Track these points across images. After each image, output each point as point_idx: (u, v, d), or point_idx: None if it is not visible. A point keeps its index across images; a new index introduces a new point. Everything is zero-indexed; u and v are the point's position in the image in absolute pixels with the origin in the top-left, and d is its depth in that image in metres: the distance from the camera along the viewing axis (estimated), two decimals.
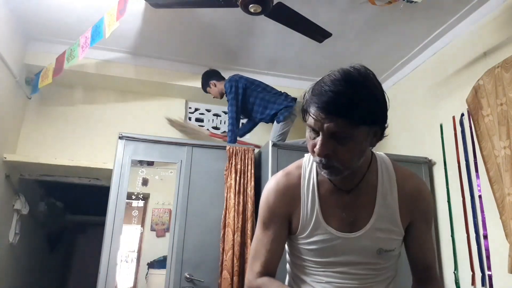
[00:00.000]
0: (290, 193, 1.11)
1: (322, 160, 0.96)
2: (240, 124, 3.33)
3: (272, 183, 1.15)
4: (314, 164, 1.11)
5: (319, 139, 0.94)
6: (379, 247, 1.08)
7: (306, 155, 1.16)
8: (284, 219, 1.12)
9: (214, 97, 3.36)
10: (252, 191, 2.76)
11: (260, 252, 1.11)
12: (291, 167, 1.17)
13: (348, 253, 1.07)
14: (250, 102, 3.15)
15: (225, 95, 3.22)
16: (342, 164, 0.97)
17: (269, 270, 1.10)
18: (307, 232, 1.09)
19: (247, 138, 3.68)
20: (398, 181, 1.11)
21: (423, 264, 1.14)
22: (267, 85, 3.23)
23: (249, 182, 2.78)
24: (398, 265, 1.18)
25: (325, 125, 0.92)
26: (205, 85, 3.32)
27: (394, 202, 1.09)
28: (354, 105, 0.90)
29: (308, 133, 0.99)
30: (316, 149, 0.95)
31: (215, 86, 3.28)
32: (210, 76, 3.31)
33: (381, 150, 3.96)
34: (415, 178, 1.15)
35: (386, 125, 0.98)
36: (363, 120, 0.92)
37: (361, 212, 1.08)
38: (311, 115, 0.94)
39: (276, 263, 1.12)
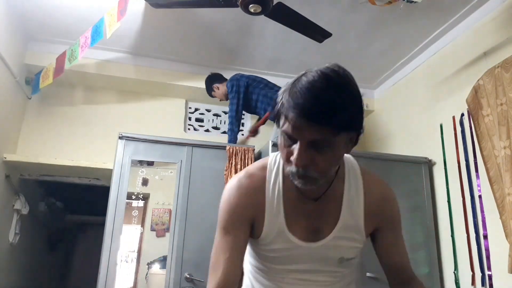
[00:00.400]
0: (253, 197, 1.04)
1: (299, 170, 0.89)
2: (241, 125, 3.33)
3: (234, 184, 1.06)
4: (281, 167, 1.05)
5: (296, 148, 0.87)
6: (340, 256, 1.06)
7: (271, 155, 1.09)
8: (246, 223, 1.04)
9: (220, 100, 3.36)
10: None
11: (219, 261, 1.00)
12: (255, 167, 1.09)
13: (309, 261, 1.06)
14: (253, 99, 3.15)
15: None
16: (320, 173, 0.90)
17: (230, 281, 0.99)
18: (269, 239, 1.04)
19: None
20: (365, 188, 1.07)
21: (398, 267, 1.11)
22: (269, 82, 3.24)
23: None
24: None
25: (305, 134, 0.85)
26: (209, 90, 3.33)
27: (359, 210, 1.05)
28: (337, 112, 0.83)
29: (283, 139, 0.91)
30: (294, 158, 0.88)
31: (219, 89, 3.29)
32: (212, 80, 3.31)
33: (382, 150, 3.96)
34: (381, 184, 1.11)
35: (362, 130, 0.92)
36: (344, 126, 0.86)
37: (325, 221, 1.04)
38: (289, 121, 0.86)
39: (238, 272, 1.03)
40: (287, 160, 0.91)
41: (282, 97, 0.90)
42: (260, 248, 1.08)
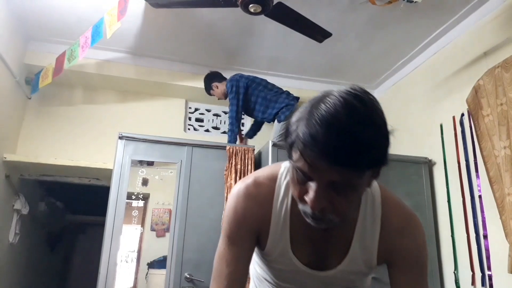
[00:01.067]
0: (259, 209, 0.95)
1: (315, 213, 0.78)
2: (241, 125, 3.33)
3: (241, 191, 0.96)
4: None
5: (312, 188, 0.76)
6: (346, 286, 0.99)
7: (283, 165, 0.98)
8: (251, 235, 0.96)
9: (219, 99, 3.36)
10: None
11: (222, 273, 0.93)
12: (264, 176, 0.98)
13: (314, 285, 0.99)
14: (252, 101, 3.15)
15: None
16: (338, 215, 0.79)
17: None
18: (272, 257, 0.98)
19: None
20: (383, 219, 0.93)
21: None
22: (268, 83, 3.23)
23: None
24: None
25: (325, 175, 0.73)
26: (208, 89, 3.33)
27: (373, 244, 0.93)
28: (364, 151, 0.71)
29: (295, 174, 0.79)
30: (310, 200, 0.76)
31: (218, 88, 3.28)
32: (211, 79, 3.31)
33: None
34: (405, 215, 0.95)
35: (387, 162, 0.79)
36: (370, 166, 0.74)
37: (333, 250, 0.95)
38: (306, 158, 0.73)
39: (242, 285, 0.95)
40: (301, 199, 0.80)
41: (296, 127, 0.75)
42: (265, 259, 1.02)
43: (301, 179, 0.78)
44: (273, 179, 0.97)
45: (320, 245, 0.94)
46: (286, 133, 0.79)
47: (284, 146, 0.81)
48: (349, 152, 0.70)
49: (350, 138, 0.70)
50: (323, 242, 0.94)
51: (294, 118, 0.78)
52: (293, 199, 0.92)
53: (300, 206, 0.82)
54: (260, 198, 0.95)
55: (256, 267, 1.10)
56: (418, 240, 0.94)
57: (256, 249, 1.03)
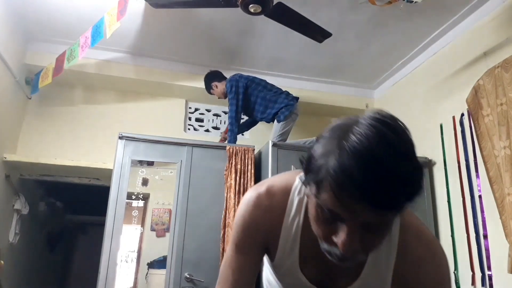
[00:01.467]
0: (269, 220, 0.91)
1: (344, 256, 0.72)
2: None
3: (252, 199, 0.93)
4: (304, 204, 0.89)
5: (344, 230, 0.69)
6: None
7: (297, 178, 0.92)
8: (259, 246, 0.94)
9: (219, 98, 3.37)
10: None
11: (228, 279, 0.93)
12: (278, 187, 0.93)
13: None
14: (251, 102, 3.15)
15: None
16: (366, 253, 0.75)
17: None
18: (280, 272, 0.96)
19: (247, 138, 3.68)
20: (400, 246, 0.87)
21: None
22: (268, 83, 3.23)
23: (249, 182, 2.78)
24: None
25: (359, 216, 0.67)
26: (208, 88, 3.33)
27: (387, 270, 0.88)
28: (404, 189, 0.65)
29: (319, 212, 0.73)
30: (342, 244, 0.69)
31: (217, 87, 3.29)
32: (211, 78, 3.31)
33: None
34: (425, 243, 0.88)
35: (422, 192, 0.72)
36: (409, 201, 0.67)
37: (344, 272, 0.89)
38: (336, 196, 0.66)
39: None
40: (327, 239, 0.74)
41: (325, 162, 0.67)
42: (275, 271, 0.99)
43: (328, 219, 0.71)
44: (286, 192, 0.92)
45: (330, 265, 0.86)
46: (309, 167, 0.71)
47: (306, 180, 0.74)
48: (389, 192, 0.64)
49: (390, 176, 0.63)
50: (334, 263, 0.87)
51: (319, 150, 0.70)
52: (305, 217, 0.88)
53: (325, 247, 0.75)
54: (270, 210, 0.91)
55: (268, 275, 1.07)
56: (439, 272, 0.86)
57: (267, 258, 1.01)
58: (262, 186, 0.94)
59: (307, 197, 0.79)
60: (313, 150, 0.72)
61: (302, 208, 0.90)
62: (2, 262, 1.95)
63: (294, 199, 0.91)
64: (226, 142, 3.16)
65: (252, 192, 0.94)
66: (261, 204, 0.92)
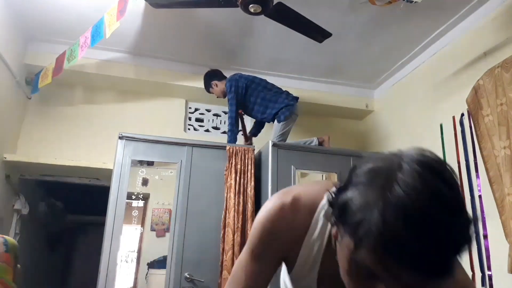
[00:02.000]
0: (289, 235, 0.88)
1: None
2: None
3: (276, 208, 0.88)
4: (328, 227, 0.85)
5: None
6: None
7: (325, 196, 0.84)
8: (275, 257, 0.92)
9: (217, 97, 3.37)
10: (252, 191, 2.76)
11: (240, 282, 0.90)
12: (304, 200, 0.88)
13: None
14: (251, 102, 3.15)
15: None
16: None
17: None
18: (297, 284, 0.95)
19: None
20: None
21: None
22: (268, 83, 3.23)
23: (249, 182, 2.78)
24: None
25: (404, 281, 0.60)
26: (207, 86, 3.33)
27: None
28: (456, 251, 0.60)
29: (354, 267, 0.65)
30: None
31: (217, 86, 3.29)
32: (211, 77, 3.31)
33: (382, 150, 3.97)
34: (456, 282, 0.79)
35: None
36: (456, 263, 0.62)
37: None
38: (381, 261, 0.59)
39: None
40: None
41: (365, 216, 0.59)
42: (291, 282, 0.97)
43: (365, 276, 0.63)
44: (312, 210, 0.87)
45: None
46: (344, 218, 0.63)
47: (338, 228, 0.67)
48: (442, 259, 0.57)
49: (443, 240, 0.57)
50: None
51: (358, 200, 0.61)
52: (328, 242, 0.85)
53: None
54: (293, 225, 0.87)
55: (285, 277, 1.04)
56: None
57: (285, 267, 0.98)
58: (288, 196, 0.89)
59: (335, 239, 0.73)
60: (348, 197, 0.63)
61: (326, 233, 0.86)
62: (19, 266, 1.94)
63: (319, 220, 0.87)
64: (250, 141, 3.19)
65: (277, 201, 0.89)
66: (284, 217, 0.87)
